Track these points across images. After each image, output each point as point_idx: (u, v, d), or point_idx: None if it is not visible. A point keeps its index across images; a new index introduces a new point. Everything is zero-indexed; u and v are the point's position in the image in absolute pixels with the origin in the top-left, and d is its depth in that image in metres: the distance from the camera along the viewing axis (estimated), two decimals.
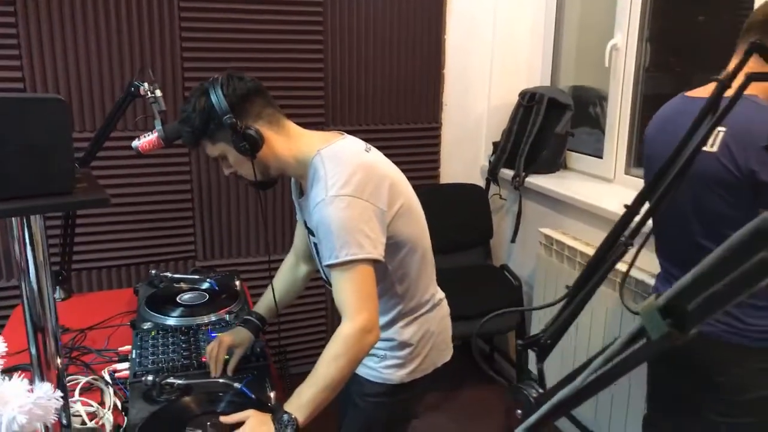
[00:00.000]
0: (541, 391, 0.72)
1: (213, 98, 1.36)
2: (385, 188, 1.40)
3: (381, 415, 1.58)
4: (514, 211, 3.04)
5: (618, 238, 0.86)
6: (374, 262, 1.35)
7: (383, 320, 1.51)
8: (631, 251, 0.93)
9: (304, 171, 1.44)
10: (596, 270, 0.84)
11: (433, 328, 1.56)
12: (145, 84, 1.85)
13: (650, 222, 0.96)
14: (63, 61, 2.40)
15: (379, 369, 1.54)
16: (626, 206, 0.89)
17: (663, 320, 0.55)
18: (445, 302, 1.64)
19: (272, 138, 1.42)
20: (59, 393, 0.95)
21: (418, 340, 1.53)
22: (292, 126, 1.48)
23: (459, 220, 3.10)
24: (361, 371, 1.56)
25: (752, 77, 0.77)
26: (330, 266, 1.34)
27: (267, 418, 1.29)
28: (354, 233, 1.31)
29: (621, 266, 0.97)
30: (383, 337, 1.51)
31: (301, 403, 1.28)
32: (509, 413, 0.77)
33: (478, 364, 3.07)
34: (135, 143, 1.78)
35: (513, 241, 3.05)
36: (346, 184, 1.33)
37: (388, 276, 1.48)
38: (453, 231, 3.09)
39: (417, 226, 1.51)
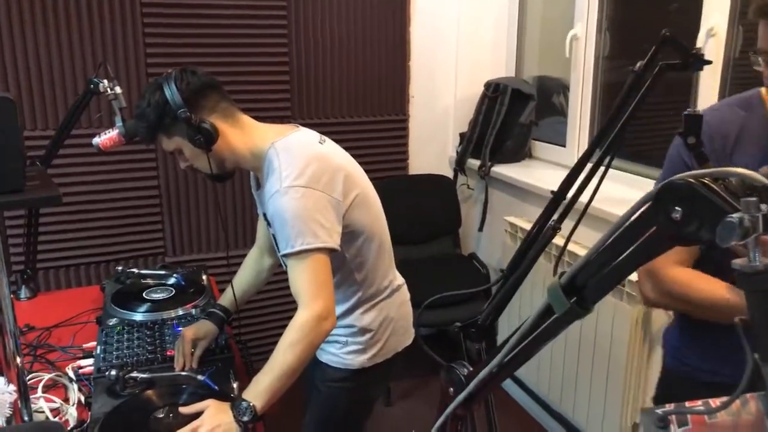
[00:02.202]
0: (471, 369, 0.76)
1: (167, 93, 1.38)
2: (340, 179, 1.42)
3: (343, 399, 1.62)
4: (481, 200, 3.09)
5: (547, 222, 0.90)
6: (330, 251, 1.38)
7: (343, 307, 1.55)
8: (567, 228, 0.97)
9: (259, 164, 1.46)
10: (527, 253, 0.88)
11: (392, 314, 1.60)
12: (105, 81, 1.85)
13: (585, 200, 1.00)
14: (23, 57, 2.38)
15: (341, 355, 1.57)
16: (552, 192, 0.93)
17: (565, 297, 0.58)
18: (404, 288, 1.68)
19: (227, 131, 1.44)
20: (12, 387, 0.97)
21: (377, 326, 1.57)
22: (246, 119, 1.50)
23: (428, 210, 3.14)
24: (323, 357, 1.60)
25: (664, 67, 0.81)
26: (286, 255, 1.37)
27: (225, 406, 1.31)
28: (309, 223, 1.34)
29: (558, 241, 1.00)
30: (344, 324, 1.55)
31: (258, 390, 1.31)
32: (445, 393, 0.81)
33: (449, 349, 3.12)
34: (96, 140, 1.78)
35: (480, 229, 3.10)
36: (301, 175, 1.36)
37: (347, 264, 1.51)
38: (422, 221, 3.13)
39: (373, 216, 1.54)
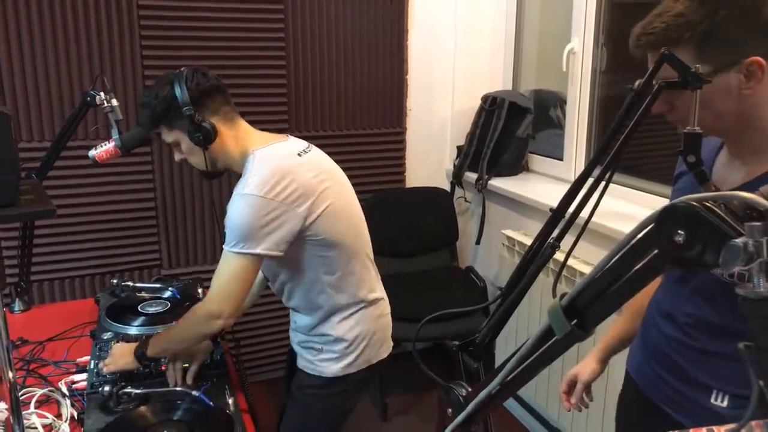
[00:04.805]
0: (469, 390, 0.75)
1: (177, 89, 1.47)
2: (307, 191, 1.47)
3: (316, 406, 1.66)
4: (478, 213, 3.08)
5: (546, 240, 0.89)
6: (269, 258, 1.47)
7: (317, 314, 1.59)
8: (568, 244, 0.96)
9: (243, 167, 1.53)
10: (526, 271, 0.87)
11: (368, 326, 1.63)
12: (101, 93, 1.84)
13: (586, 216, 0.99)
14: (20, 68, 2.38)
15: (315, 362, 1.62)
16: (551, 210, 0.92)
17: (567, 320, 0.58)
18: (383, 302, 1.72)
19: (225, 133, 1.53)
20: (3, 405, 0.95)
21: (353, 337, 1.61)
22: (244, 125, 1.59)
23: (425, 223, 3.13)
24: (300, 363, 1.66)
25: (663, 85, 0.81)
26: (225, 249, 1.45)
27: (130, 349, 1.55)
28: (256, 229, 1.41)
29: (559, 255, 1.00)
30: (320, 332, 1.60)
31: (155, 342, 1.53)
32: (443, 413, 0.80)
33: (445, 363, 3.11)
34: (91, 153, 1.78)
35: (478, 242, 3.09)
36: (263, 184, 1.42)
37: (317, 270, 1.55)
38: (419, 234, 3.13)
39: (347, 226, 1.58)
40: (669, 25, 0.93)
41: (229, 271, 1.44)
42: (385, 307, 1.72)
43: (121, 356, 1.54)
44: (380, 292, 1.70)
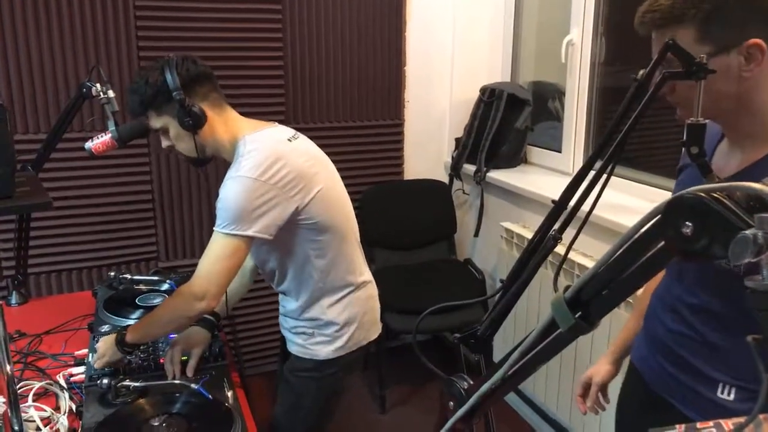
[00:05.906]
0: (471, 383, 0.74)
1: (167, 75, 1.47)
2: (300, 176, 1.49)
3: (310, 388, 1.68)
4: (476, 205, 3.07)
5: (548, 232, 0.88)
6: (259, 241, 1.47)
7: (305, 297, 1.62)
8: (569, 237, 0.95)
9: (233, 154, 1.54)
10: (528, 263, 0.87)
11: (358, 308, 1.66)
12: (97, 84, 1.83)
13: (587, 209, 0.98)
14: (15, 59, 2.36)
15: (308, 345, 1.65)
16: (554, 201, 0.92)
17: (570, 313, 0.57)
18: (371, 284, 1.75)
19: (213, 119, 1.54)
20: (1, 398, 0.95)
21: (344, 320, 1.63)
22: (231, 112, 1.60)
23: (423, 215, 3.13)
24: (293, 349, 1.68)
25: (667, 75, 0.81)
26: (215, 231, 1.46)
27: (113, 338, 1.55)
28: (248, 212, 1.42)
29: (559, 249, 0.99)
30: (310, 317, 1.62)
31: (134, 327, 1.54)
32: (445, 406, 0.80)
33: (444, 355, 3.11)
34: (88, 145, 1.77)
35: (476, 235, 3.08)
36: (257, 167, 1.44)
37: (308, 254, 1.57)
38: (417, 226, 3.12)
39: (336, 211, 1.60)
40: (674, 2, 0.94)
41: (218, 252, 1.44)
42: (373, 289, 1.75)
43: (105, 349, 1.54)
44: (368, 275, 1.74)
